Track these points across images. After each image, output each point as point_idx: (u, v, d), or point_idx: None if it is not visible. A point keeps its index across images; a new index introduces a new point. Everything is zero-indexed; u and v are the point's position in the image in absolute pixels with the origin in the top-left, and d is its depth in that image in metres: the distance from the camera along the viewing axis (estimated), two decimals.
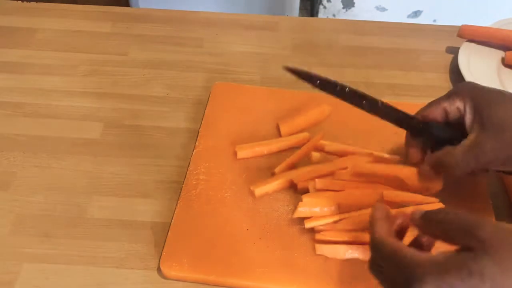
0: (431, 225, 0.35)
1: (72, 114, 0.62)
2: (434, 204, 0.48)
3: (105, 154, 0.57)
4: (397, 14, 1.50)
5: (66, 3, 0.79)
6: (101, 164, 0.56)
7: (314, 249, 0.47)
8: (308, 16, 1.71)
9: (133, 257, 0.48)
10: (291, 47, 0.72)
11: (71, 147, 0.58)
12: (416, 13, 1.51)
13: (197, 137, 0.57)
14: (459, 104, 0.44)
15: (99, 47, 0.71)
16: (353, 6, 1.51)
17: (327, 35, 0.74)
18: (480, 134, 0.41)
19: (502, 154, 0.40)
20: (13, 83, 0.65)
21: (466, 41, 0.70)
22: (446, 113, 0.45)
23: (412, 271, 0.32)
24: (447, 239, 0.34)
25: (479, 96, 0.42)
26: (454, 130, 0.46)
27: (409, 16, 1.51)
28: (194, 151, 0.56)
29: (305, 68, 0.49)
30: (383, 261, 0.35)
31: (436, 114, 0.46)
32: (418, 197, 0.48)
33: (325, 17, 1.54)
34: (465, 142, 0.42)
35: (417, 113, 0.47)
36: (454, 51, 0.71)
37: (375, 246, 0.36)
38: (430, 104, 0.46)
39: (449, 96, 0.45)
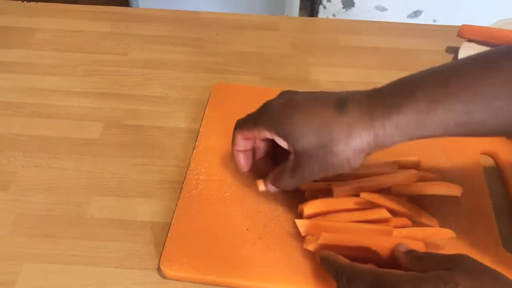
0: (412, 261, 0.40)
1: (72, 114, 0.62)
2: (446, 231, 0.47)
3: (105, 154, 0.57)
4: (397, 14, 1.51)
5: (66, 3, 0.79)
6: (101, 164, 0.56)
7: None
8: (308, 16, 1.72)
9: (133, 257, 0.48)
10: (291, 47, 0.72)
11: (71, 147, 0.58)
12: (416, 13, 1.51)
13: (197, 137, 0.57)
14: (265, 134, 0.46)
15: (99, 47, 0.71)
16: (353, 6, 1.51)
17: (327, 35, 0.74)
18: (295, 159, 0.44)
19: (319, 172, 0.44)
20: (13, 83, 0.65)
21: (466, 41, 0.70)
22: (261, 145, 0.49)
23: (394, 283, 0.36)
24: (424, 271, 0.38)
25: (284, 127, 0.44)
26: None
27: (409, 16, 1.52)
28: (194, 151, 0.56)
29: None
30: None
31: (250, 145, 0.49)
32: (431, 230, 0.48)
33: (325, 17, 1.55)
34: (288, 164, 0.45)
35: (232, 147, 0.49)
36: (454, 51, 0.71)
37: (358, 275, 0.39)
38: (237, 138, 0.48)
39: (256, 127, 0.46)
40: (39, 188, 0.53)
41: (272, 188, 0.49)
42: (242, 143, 0.48)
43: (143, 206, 0.52)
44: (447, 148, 0.56)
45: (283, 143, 0.45)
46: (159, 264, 0.47)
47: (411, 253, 0.42)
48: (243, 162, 0.50)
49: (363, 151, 0.42)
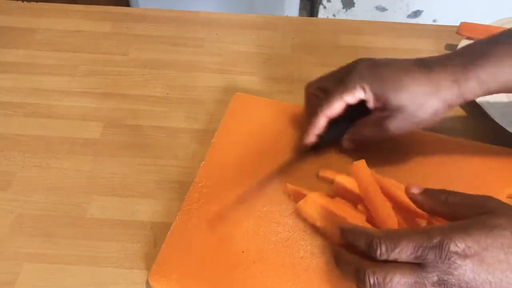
0: (434, 204, 0.40)
1: (72, 114, 0.62)
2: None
3: (105, 154, 0.57)
4: (397, 14, 1.51)
5: (66, 3, 0.79)
6: (101, 164, 0.56)
7: (309, 281, 0.44)
8: (308, 16, 1.71)
9: (133, 257, 0.48)
10: (291, 47, 0.72)
11: (71, 147, 0.58)
12: (416, 13, 1.51)
13: (208, 148, 0.55)
14: (359, 95, 0.49)
15: (99, 47, 0.71)
16: (353, 6, 1.51)
17: (327, 35, 0.74)
18: (383, 115, 0.48)
19: (404, 127, 0.48)
20: (13, 83, 0.65)
21: (465, 38, 0.70)
22: (348, 105, 0.50)
23: (442, 234, 0.34)
24: (452, 217, 0.38)
25: (378, 85, 0.47)
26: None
27: (409, 16, 1.52)
28: (203, 163, 0.54)
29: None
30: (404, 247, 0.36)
31: (340, 110, 0.50)
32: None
33: (325, 17, 1.55)
34: (371, 119, 0.50)
35: (320, 111, 0.51)
36: (453, 49, 0.70)
37: (400, 238, 0.36)
38: (331, 102, 0.50)
39: (349, 89, 0.49)
40: (39, 188, 0.54)
41: (348, 145, 0.52)
42: (338, 107, 0.50)
43: (143, 206, 0.52)
44: (470, 190, 0.52)
45: (372, 102, 0.48)
46: (147, 278, 0.46)
47: (431, 193, 0.40)
48: (319, 130, 0.51)
49: (449, 104, 0.46)
